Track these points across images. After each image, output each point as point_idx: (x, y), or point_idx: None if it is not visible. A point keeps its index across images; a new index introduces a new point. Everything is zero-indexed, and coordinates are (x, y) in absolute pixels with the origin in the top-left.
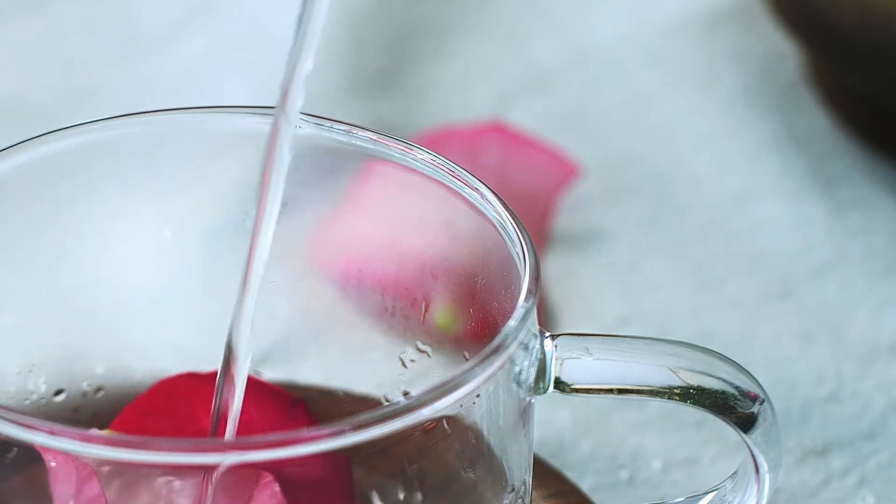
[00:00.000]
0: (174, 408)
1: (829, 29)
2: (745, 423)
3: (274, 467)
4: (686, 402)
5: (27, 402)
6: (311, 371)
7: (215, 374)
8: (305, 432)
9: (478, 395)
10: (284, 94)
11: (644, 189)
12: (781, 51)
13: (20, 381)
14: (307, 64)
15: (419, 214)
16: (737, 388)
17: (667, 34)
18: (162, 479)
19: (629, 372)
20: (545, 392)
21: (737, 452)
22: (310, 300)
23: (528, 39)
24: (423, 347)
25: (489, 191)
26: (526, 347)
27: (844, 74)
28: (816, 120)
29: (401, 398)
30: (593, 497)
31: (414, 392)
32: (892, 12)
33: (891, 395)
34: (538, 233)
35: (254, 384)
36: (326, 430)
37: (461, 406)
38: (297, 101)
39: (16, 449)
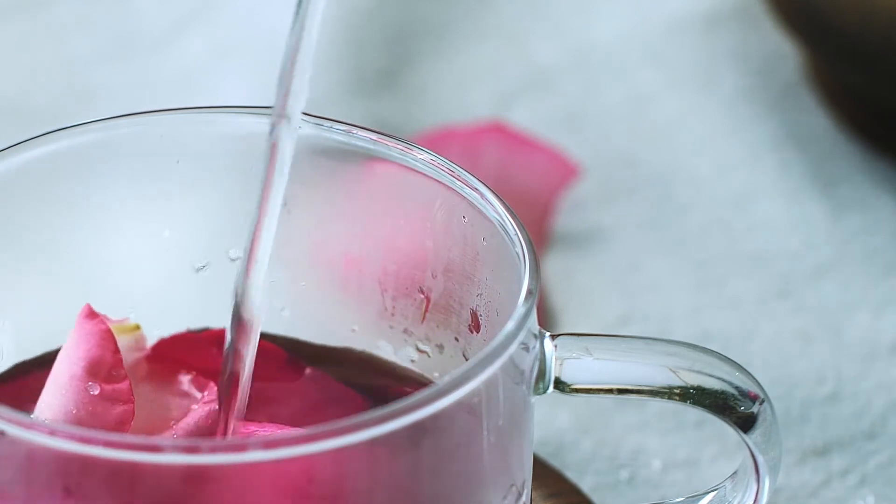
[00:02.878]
0: (172, 369)
1: (829, 29)
2: (745, 423)
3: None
4: (686, 402)
5: None
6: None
7: (210, 334)
8: (302, 433)
9: (478, 396)
10: (285, 93)
11: (644, 189)
12: (781, 51)
13: None
14: (309, 57)
15: (419, 214)
16: (737, 388)
17: (667, 34)
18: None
19: (629, 372)
20: (545, 392)
21: (737, 452)
22: (310, 300)
23: (528, 39)
24: (423, 347)
25: (489, 191)
26: (526, 348)
27: (844, 74)
28: (816, 120)
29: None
30: (593, 497)
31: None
32: (892, 12)
33: (891, 395)
34: (538, 233)
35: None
36: (324, 431)
37: (461, 406)
38: (300, 99)
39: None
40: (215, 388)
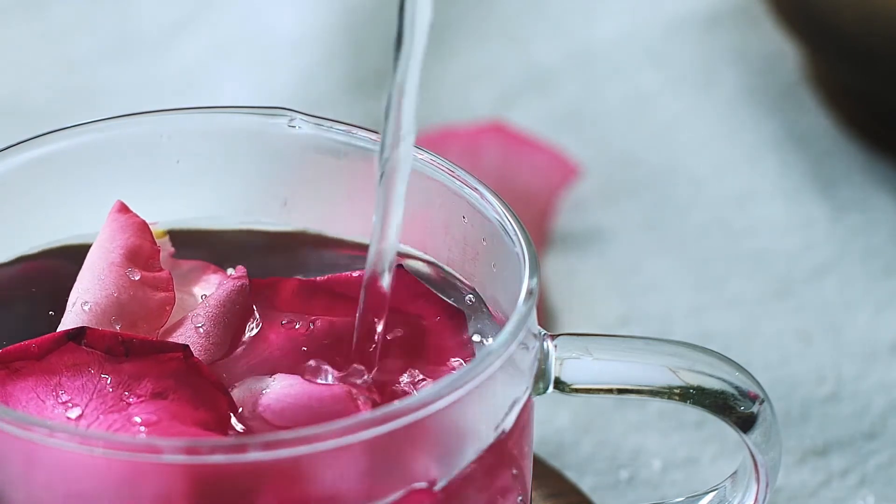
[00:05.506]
0: (202, 267)
1: (829, 29)
2: (745, 423)
3: None
4: (686, 402)
5: None
6: None
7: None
8: (304, 433)
9: (478, 396)
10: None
11: (644, 189)
12: (781, 51)
13: None
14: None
15: (419, 214)
16: (737, 388)
17: (667, 34)
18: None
19: (629, 372)
20: (545, 392)
21: (737, 452)
22: None
23: (529, 39)
24: None
25: (489, 191)
26: (526, 347)
27: (844, 74)
28: (816, 120)
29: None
30: (593, 497)
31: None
32: (892, 12)
33: (891, 395)
34: (538, 233)
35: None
36: (325, 431)
37: (461, 406)
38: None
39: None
40: (243, 268)
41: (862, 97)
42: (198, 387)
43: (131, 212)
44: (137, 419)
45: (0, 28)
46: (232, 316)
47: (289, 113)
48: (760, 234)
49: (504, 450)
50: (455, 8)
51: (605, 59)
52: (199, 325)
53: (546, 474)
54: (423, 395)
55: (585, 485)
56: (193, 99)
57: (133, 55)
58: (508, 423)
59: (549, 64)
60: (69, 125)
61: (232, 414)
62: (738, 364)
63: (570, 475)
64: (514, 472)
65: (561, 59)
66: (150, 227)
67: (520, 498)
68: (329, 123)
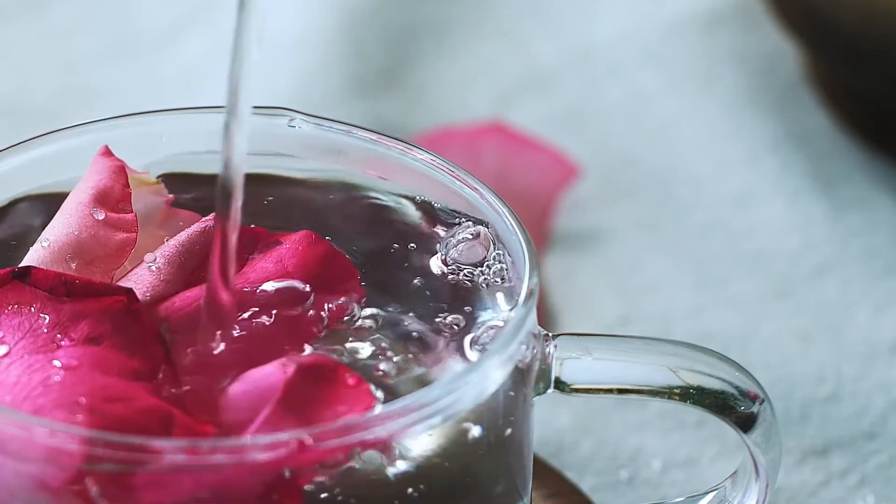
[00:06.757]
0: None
1: (829, 29)
2: (745, 423)
3: None
4: (686, 402)
5: None
6: None
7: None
8: (306, 433)
9: (477, 396)
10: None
11: (644, 189)
12: (781, 51)
13: None
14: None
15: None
16: (737, 388)
17: (667, 34)
18: None
19: (629, 372)
20: (545, 392)
21: (737, 452)
22: None
23: (528, 39)
24: None
25: (489, 191)
26: (526, 347)
27: (844, 74)
28: (816, 120)
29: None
30: (593, 497)
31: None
32: (892, 12)
33: (891, 395)
34: (538, 233)
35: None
36: (322, 431)
37: (461, 406)
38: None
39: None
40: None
41: (862, 97)
42: (136, 334)
43: (113, 155)
44: (57, 363)
45: (0, 28)
46: (189, 256)
47: (289, 113)
48: (760, 234)
49: (504, 450)
50: (455, 8)
51: (605, 59)
52: (151, 262)
53: (546, 474)
54: (422, 395)
55: (585, 485)
56: (193, 99)
57: (133, 55)
58: (508, 424)
59: (548, 64)
60: (69, 125)
61: (166, 365)
62: (738, 364)
63: (570, 475)
64: (514, 472)
65: (561, 59)
66: (143, 175)
67: (520, 499)
68: (329, 123)
